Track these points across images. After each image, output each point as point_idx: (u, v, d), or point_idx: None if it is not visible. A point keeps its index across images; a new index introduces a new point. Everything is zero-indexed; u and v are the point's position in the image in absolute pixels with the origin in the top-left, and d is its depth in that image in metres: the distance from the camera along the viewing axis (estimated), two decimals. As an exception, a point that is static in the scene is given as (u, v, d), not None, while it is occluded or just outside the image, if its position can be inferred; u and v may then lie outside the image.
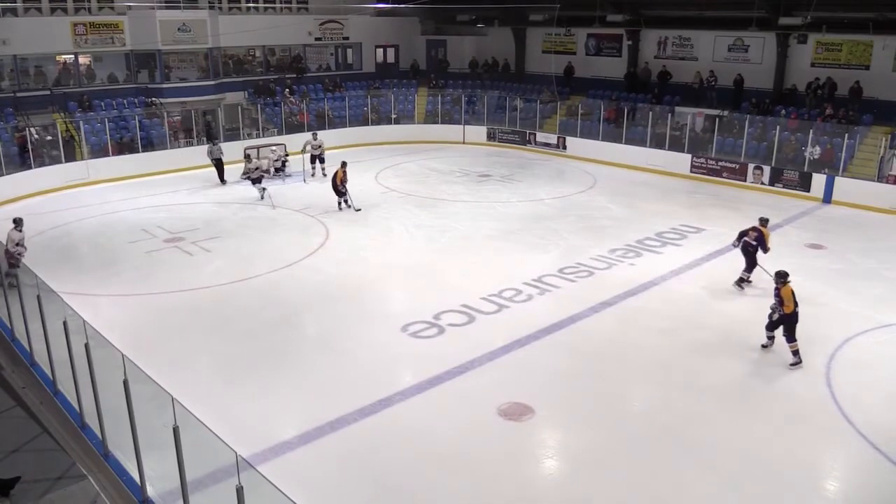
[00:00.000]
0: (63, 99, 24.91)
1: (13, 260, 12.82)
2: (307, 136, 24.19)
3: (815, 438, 9.43)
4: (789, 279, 11.12)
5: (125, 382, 7.33)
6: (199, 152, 25.23)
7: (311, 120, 28.65)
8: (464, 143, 29.97)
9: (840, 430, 9.55)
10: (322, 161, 23.56)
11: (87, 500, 7.63)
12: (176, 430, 6.61)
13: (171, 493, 7.21)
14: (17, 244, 13.46)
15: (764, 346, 11.61)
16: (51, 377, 9.69)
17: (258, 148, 24.04)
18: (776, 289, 11.18)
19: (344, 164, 19.59)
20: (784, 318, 11.06)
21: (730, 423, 9.70)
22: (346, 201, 19.65)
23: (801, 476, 8.65)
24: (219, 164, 23.16)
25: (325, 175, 23.15)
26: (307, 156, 23.43)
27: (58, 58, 26.00)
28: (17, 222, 13.89)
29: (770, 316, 11.37)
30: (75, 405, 8.91)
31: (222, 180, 23.10)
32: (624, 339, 12.19)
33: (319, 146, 23.44)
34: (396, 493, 8.27)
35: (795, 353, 11.09)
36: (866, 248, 16.83)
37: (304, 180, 23.20)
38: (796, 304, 11.02)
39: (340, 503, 8.15)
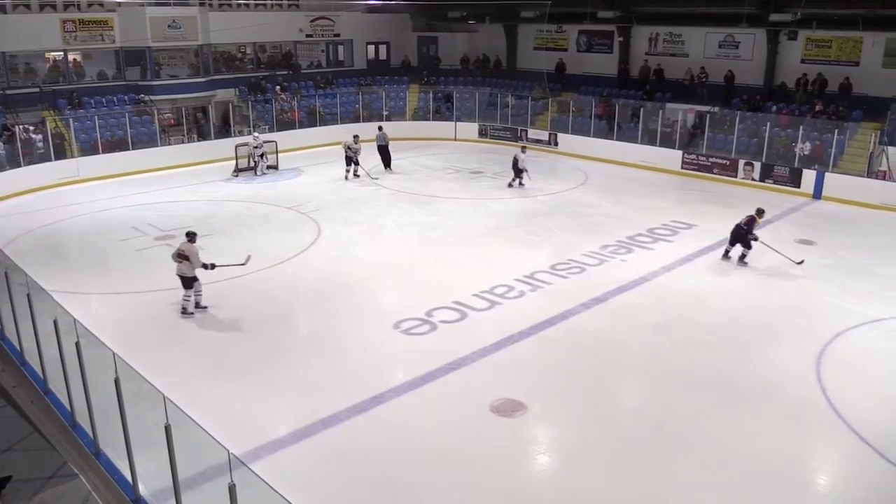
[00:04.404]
0: (52, 97, 24.78)
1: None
2: (348, 138, 23.27)
3: (804, 433, 9.47)
4: None
5: (116, 381, 7.31)
6: (190, 150, 25.24)
7: (303, 117, 28.61)
8: (455, 139, 29.96)
9: (830, 425, 9.60)
10: (357, 164, 22.85)
11: (78, 499, 7.61)
12: (168, 429, 6.60)
13: (163, 491, 7.19)
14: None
15: None
16: (41, 376, 9.66)
17: (248, 145, 23.99)
18: None
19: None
20: None
21: (720, 418, 9.74)
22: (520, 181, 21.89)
23: (791, 471, 8.69)
24: (384, 151, 24.21)
25: (357, 176, 22.84)
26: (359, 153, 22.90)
27: (47, 55, 25.87)
28: (191, 236, 12.81)
29: None
30: (66, 404, 8.89)
31: (388, 164, 24.25)
32: (615, 335, 12.23)
33: (358, 150, 22.75)
34: (389, 489, 8.27)
35: None
36: (856, 243, 16.93)
37: (346, 177, 22.90)
38: None
39: (333, 500, 8.15)
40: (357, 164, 22.87)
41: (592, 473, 8.66)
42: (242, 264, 13.26)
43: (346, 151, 22.79)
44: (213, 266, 12.67)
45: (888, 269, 15.15)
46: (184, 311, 12.69)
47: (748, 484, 8.34)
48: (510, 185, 22.06)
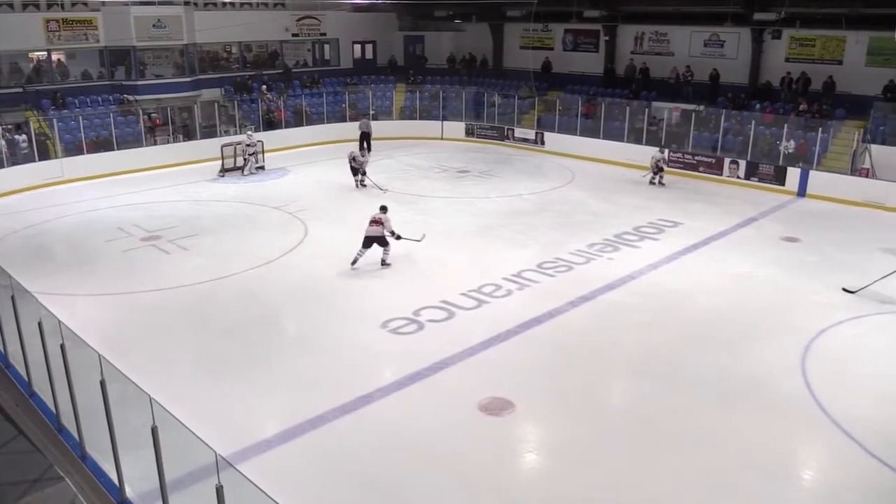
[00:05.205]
0: (36, 97, 24.58)
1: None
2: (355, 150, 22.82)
3: (791, 429, 9.53)
4: None
5: (102, 383, 7.27)
6: (176, 150, 25.12)
7: (289, 116, 28.53)
8: (442, 138, 29.95)
9: (815, 420, 9.67)
10: (364, 174, 21.93)
11: (64, 502, 7.57)
12: (154, 430, 6.57)
13: (150, 493, 7.16)
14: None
15: None
16: (26, 379, 9.58)
17: (235, 145, 23.89)
18: None
19: None
20: None
21: (709, 415, 9.79)
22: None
23: (778, 467, 8.74)
24: (367, 138, 26.33)
25: (364, 185, 21.84)
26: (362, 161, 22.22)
27: (30, 55, 25.65)
28: (384, 209, 15.32)
29: None
30: (51, 407, 8.82)
31: (369, 149, 25.86)
32: (603, 333, 12.27)
33: (364, 161, 22.15)
34: (377, 489, 8.27)
35: None
36: (840, 240, 17.06)
37: (357, 186, 22.03)
38: None
39: (321, 500, 8.14)
40: (364, 174, 22.04)
41: (581, 471, 8.68)
42: (418, 241, 15.55)
43: (350, 163, 21.93)
44: (398, 237, 15.12)
45: (872, 266, 15.25)
46: (383, 262, 15.11)
47: (737, 480, 8.39)
48: (651, 182, 22.55)
